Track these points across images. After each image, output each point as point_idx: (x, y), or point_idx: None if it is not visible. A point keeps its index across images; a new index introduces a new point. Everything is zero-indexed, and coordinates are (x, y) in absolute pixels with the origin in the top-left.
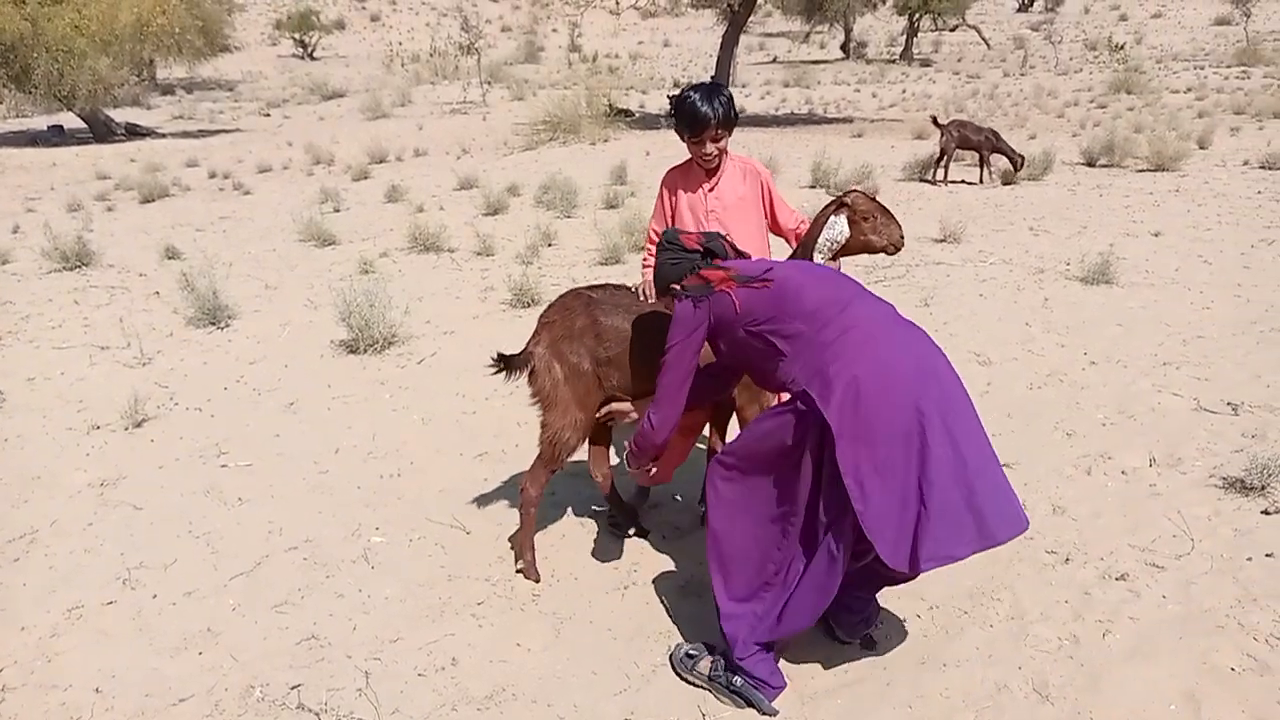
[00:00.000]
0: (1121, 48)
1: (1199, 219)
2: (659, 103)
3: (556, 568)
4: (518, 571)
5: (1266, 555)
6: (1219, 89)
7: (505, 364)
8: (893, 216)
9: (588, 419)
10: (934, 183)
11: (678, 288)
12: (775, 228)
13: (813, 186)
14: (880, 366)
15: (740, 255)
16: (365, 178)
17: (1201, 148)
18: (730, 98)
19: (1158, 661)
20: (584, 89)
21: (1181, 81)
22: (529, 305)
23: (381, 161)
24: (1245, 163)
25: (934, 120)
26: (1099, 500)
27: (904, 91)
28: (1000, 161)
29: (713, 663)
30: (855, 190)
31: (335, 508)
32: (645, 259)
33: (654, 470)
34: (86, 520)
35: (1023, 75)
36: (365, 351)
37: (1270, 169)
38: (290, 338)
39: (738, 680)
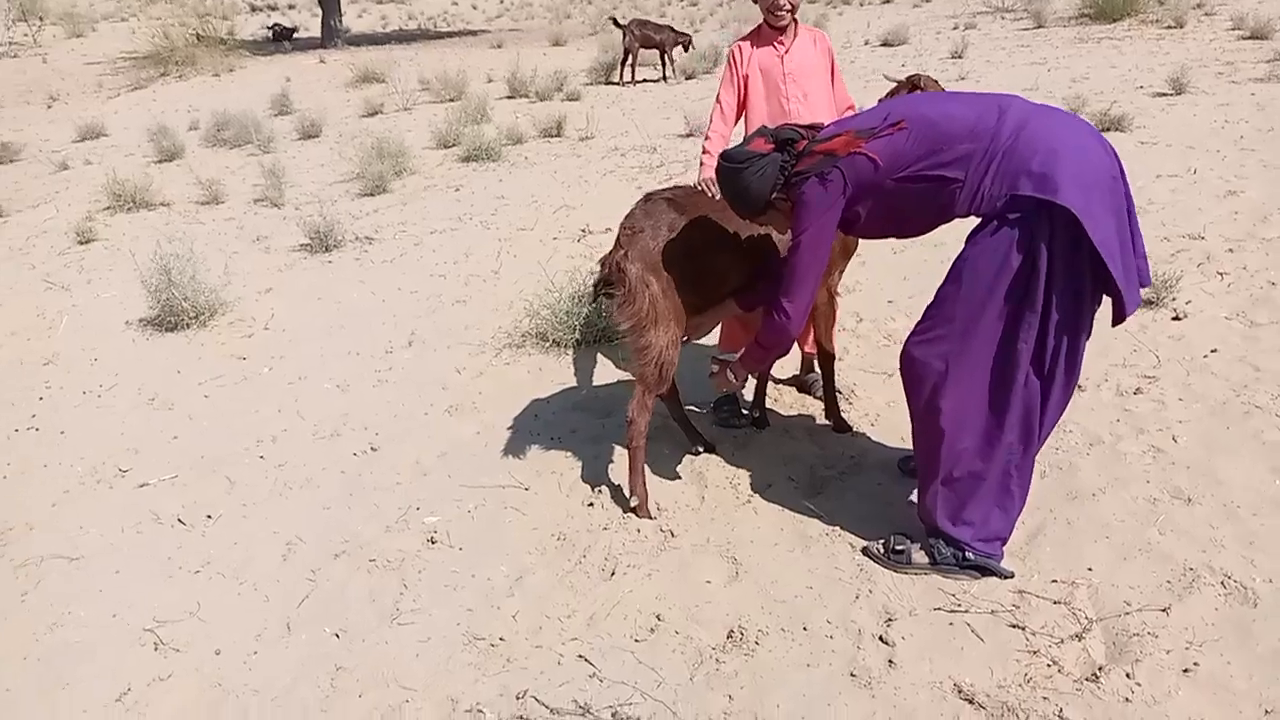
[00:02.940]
0: None
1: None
2: (250, 29)
3: (659, 499)
4: (630, 510)
5: (1212, 351)
6: None
7: (605, 286)
8: None
9: (681, 333)
10: (621, 84)
11: (786, 188)
12: None
13: (510, 97)
14: (1075, 146)
15: (812, 129)
16: None
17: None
18: None
19: (1235, 451)
20: (163, 19)
21: None
22: (330, 249)
23: None
24: (866, 43)
25: (614, 21)
26: None
27: (501, 1)
28: (676, 56)
29: (930, 549)
30: (923, 74)
31: (336, 501)
32: (705, 147)
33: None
34: (20, 591)
35: None
36: (188, 327)
37: (889, 45)
38: (72, 327)
39: (970, 555)
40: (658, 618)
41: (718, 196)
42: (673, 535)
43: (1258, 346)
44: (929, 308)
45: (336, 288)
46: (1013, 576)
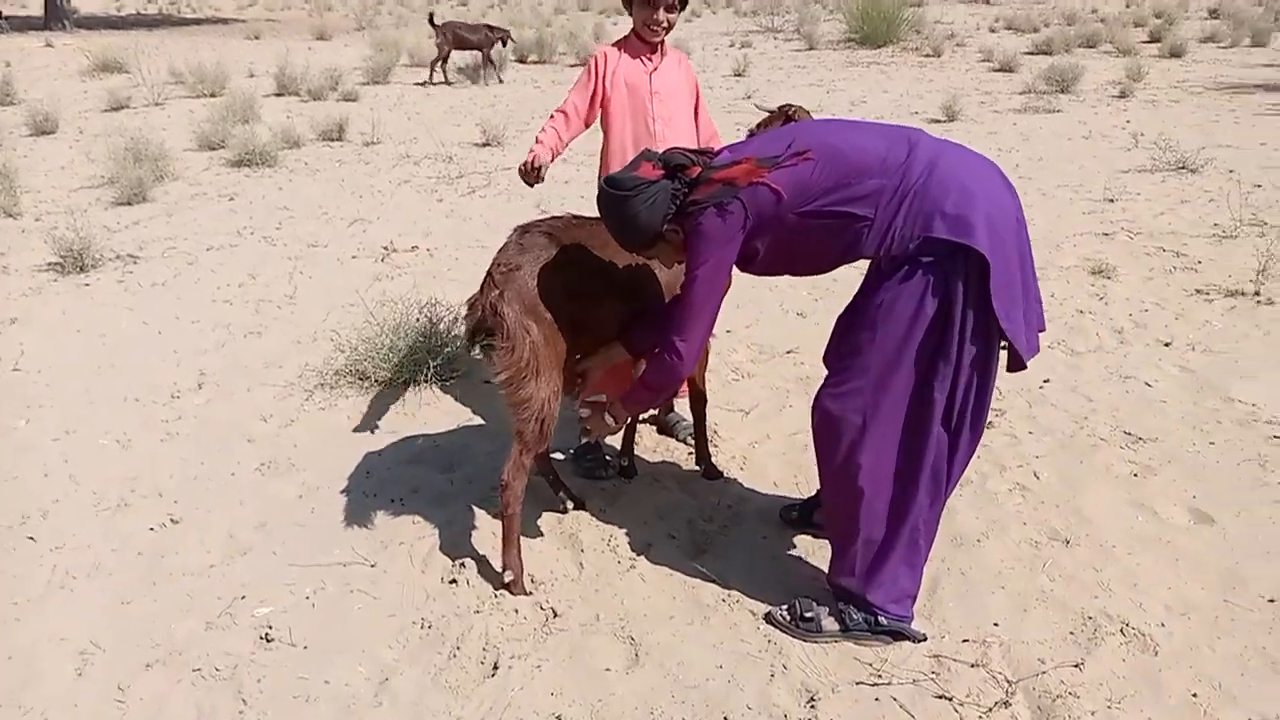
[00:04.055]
0: None
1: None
2: None
3: (532, 571)
4: (503, 587)
5: (1045, 381)
6: None
7: (482, 335)
8: None
9: (562, 382)
10: (429, 85)
11: (679, 219)
12: None
13: (279, 94)
14: (986, 186)
15: (703, 154)
16: None
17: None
18: None
19: (1093, 487)
20: None
21: None
22: (86, 269)
23: None
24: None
25: (430, 20)
26: None
27: None
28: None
29: (840, 614)
30: (794, 105)
31: (136, 592)
32: (540, 136)
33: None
34: None
35: None
36: None
37: None
38: None
39: (882, 620)
40: (557, 718)
41: (543, 170)
42: (555, 614)
43: (1083, 376)
44: (839, 358)
45: (99, 316)
46: (925, 639)
